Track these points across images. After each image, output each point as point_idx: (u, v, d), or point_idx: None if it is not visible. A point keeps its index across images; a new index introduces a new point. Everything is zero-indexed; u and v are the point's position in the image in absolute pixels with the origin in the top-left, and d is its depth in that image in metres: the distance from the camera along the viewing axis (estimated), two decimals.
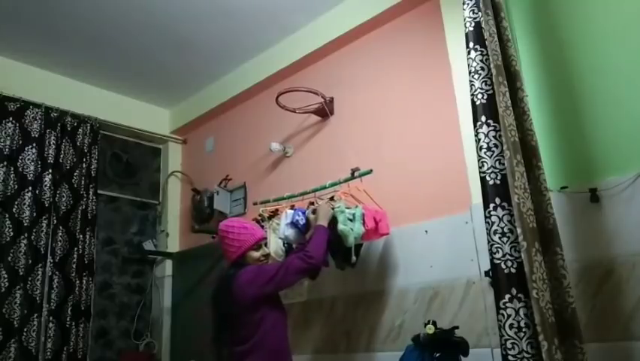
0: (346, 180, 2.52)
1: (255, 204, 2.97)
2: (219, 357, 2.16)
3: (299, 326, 2.86)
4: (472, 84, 1.77)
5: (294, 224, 2.45)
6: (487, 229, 1.63)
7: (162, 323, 3.68)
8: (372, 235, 2.38)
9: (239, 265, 2.18)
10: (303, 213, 2.47)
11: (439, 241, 2.37)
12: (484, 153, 1.68)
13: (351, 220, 2.31)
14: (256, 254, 2.24)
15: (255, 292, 2.06)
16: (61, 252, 3.18)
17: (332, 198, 2.49)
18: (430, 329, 1.93)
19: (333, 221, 2.32)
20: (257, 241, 2.24)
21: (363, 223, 2.32)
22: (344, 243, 2.29)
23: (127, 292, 3.70)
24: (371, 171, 2.45)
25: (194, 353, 3.27)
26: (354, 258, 2.33)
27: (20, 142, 3.19)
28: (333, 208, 2.38)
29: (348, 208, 2.37)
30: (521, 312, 1.52)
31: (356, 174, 2.48)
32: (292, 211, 2.49)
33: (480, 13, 1.81)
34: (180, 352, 3.55)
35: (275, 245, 2.63)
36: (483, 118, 1.71)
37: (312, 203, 2.56)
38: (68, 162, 3.36)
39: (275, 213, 2.72)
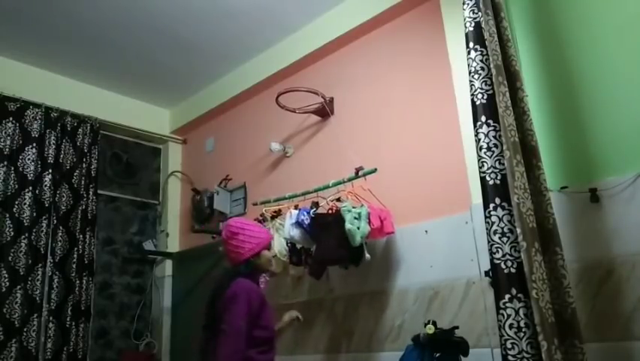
0: (350, 179, 2.52)
1: (254, 204, 2.97)
2: None
3: (300, 325, 2.86)
4: (472, 84, 1.77)
5: (299, 224, 2.45)
6: (487, 229, 1.64)
7: (162, 323, 3.68)
8: (378, 233, 2.39)
9: (246, 267, 2.16)
10: (308, 212, 2.47)
11: (439, 241, 2.37)
12: (484, 153, 1.68)
13: (357, 219, 2.32)
14: (269, 254, 2.26)
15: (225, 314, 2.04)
16: (61, 252, 3.18)
17: (338, 200, 2.50)
18: (430, 329, 1.93)
19: (341, 220, 2.32)
20: (269, 241, 2.26)
21: (369, 222, 2.33)
22: (351, 242, 2.30)
23: (127, 292, 3.70)
24: (376, 169, 2.45)
25: (194, 353, 3.27)
26: (367, 256, 2.34)
27: (20, 142, 3.19)
28: (339, 209, 2.39)
29: (353, 207, 2.37)
30: (521, 312, 1.52)
31: (360, 173, 2.48)
32: (297, 211, 2.50)
33: (480, 13, 1.81)
34: (180, 352, 3.55)
35: (279, 245, 2.64)
36: (483, 118, 1.71)
37: (316, 203, 2.56)
38: (68, 162, 3.36)
39: (278, 214, 2.72)
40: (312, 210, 2.49)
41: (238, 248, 2.17)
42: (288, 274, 2.70)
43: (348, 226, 2.28)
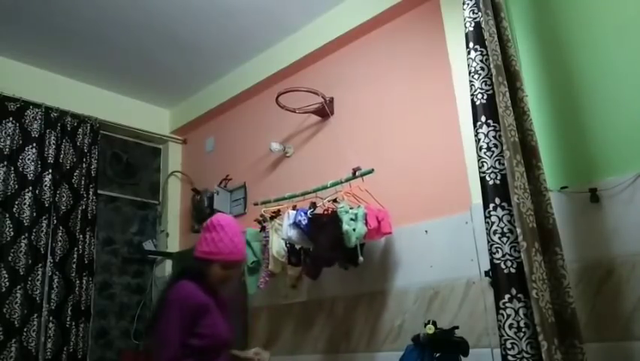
0: (348, 180, 2.52)
1: (255, 204, 2.97)
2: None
3: (299, 326, 2.87)
4: (472, 84, 1.77)
5: (296, 224, 2.45)
6: (487, 229, 1.63)
7: None
8: (375, 234, 2.39)
9: (197, 266, 2.02)
10: (305, 213, 2.47)
11: (439, 241, 2.37)
12: (484, 153, 1.68)
13: (353, 220, 2.31)
14: (220, 273, 2.01)
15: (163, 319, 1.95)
16: (61, 252, 3.18)
17: (335, 200, 2.50)
18: (430, 329, 1.93)
19: (337, 221, 2.32)
20: (233, 261, 2.03)
21: (366, 223, 2.33)
22: (346, 243, 2.30)
23: (127, 292, 3.70)
24: (373, 170, 2.46)
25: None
26: (361, 258, 2.34)
27: (20, 142, 3.19)
28: (335, 210, 2.38)
29: (350, 208, 2.37)
30: (521, 312, 1.52)
31: (358, 173, 2.48)
32: (294, 212, 2.50)
33: (480, 14, 1.81)
34: None
35: (277, 245, 2.64)
36: (483, 118, 1.71)
37: (313, 203, 2.56)
38: (68, 162, 3.36)
39: (277, 214, 2.72)
40: (310, 211, 2.49)
41: (199, 241, 2.05)
42: (287, 274, 2.70)
43: (345, 227, 2.28)
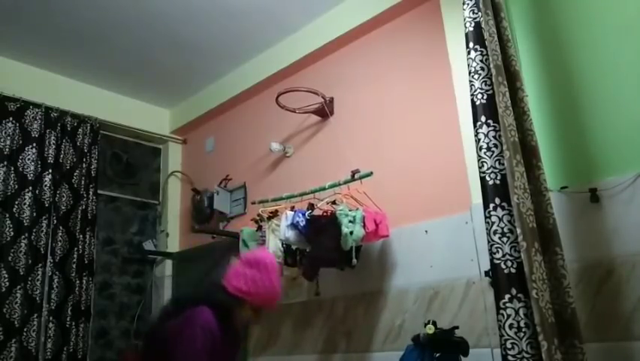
0: (346, 182, 2.52)
1: (253, 203, 2.98)
2: None
3: (299, 326, 2.86)
4: (472, 84, 1.77)
5: (294, 225, 2.45)
6: (487, 229, 1.63)
7: None
8: (373, 237, 2.39)
9: (223, 297, 1.87)
10: (303, 214, 2.47)
11: (439, 241, 2.37)
12: (484, 153, 1.68)
13: (352, 222, 2.31)
14: (249, 315, 1.92)
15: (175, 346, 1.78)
16: (61, 252, 3.18)
17: (334, 202, 2.49)
18: (430, 329, 1.93)
19: (336, 223, 2.32)
20: (262, 305, 1.94)
21: (364, 226, 2.32)
22: (342, 246, 2.30)
23: (127, 292, 3.70)
24: (371, 173, 2.46)
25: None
26: (354, 260, 2.33)
27: (20, 142, 3.19)
28: (334, 212, 2.38)
29: (349, 211, 2.37)
30: (521, 312, 1.52)
31: (356, 176, 2.48)
32: (292, 213, 2.50)
33: (480, 14, 1.81)
34: None
35: (274, 246, 2.63)
36: (483, 118, 1.71)
37: (311, 205, 2.56)
38: (68, 162, 3.36)
39: (274, 214, 2.72)
40: (308, 213, 2.49)
41: (235, 275, 1.90)
42: (282, 274, 2.70)
43: (344, 230, 2.28)
